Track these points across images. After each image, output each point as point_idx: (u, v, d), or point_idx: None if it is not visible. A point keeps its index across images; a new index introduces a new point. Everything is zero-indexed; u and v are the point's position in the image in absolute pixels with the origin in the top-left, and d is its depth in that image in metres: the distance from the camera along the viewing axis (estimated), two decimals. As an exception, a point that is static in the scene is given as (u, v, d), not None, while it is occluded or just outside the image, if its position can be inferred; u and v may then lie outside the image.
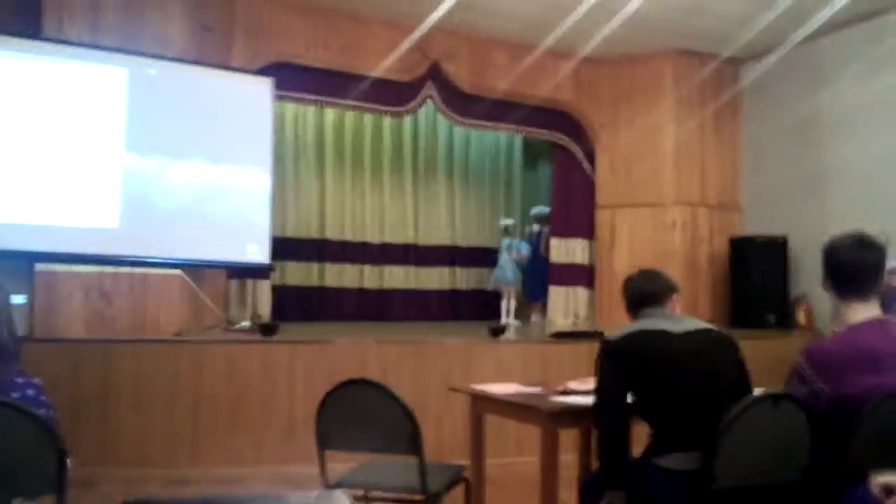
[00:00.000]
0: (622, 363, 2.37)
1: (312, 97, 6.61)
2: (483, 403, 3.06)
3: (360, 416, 2.57)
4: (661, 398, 2.33)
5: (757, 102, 7.38)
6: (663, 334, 2.38)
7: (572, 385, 3.03)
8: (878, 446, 2.07)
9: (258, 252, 5.80)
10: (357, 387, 2.61)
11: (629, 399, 2.40)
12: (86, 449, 4.31)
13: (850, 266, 2.23)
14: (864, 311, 2.21)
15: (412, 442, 2.49)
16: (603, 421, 2.38)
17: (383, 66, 6.52)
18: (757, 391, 2.33)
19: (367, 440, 2.59)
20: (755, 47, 6.93)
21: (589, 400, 2.78)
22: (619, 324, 2.58)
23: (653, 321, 2.46)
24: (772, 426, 2.11)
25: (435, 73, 6.91)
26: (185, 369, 4.48)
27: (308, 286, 7.97)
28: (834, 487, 2.08)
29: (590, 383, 3.10)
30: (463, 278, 8.93)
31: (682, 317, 2.55)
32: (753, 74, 7.32)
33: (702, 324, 2.49)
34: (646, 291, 2.58)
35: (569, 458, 3.53)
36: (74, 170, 5.07)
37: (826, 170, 6.56)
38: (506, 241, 8.26)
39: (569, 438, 3.64)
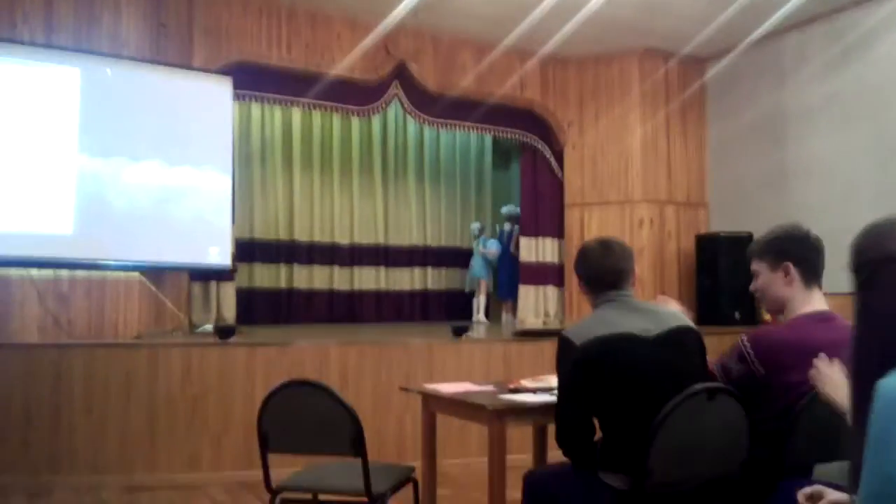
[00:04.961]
0: (590, 373, 2.13)
1: (276, 97, 6.52)
2: (434, 403, 3.03)
3: (302, 417, 2.53)
4: (622, 412, 2.15)
5: (722, 100, 7.43)
6: (635, 341, 2.15)
7: (525, 383, 3.01)
8: (815, 439, 2.07)
9: (220, 254, 5.73)
10: (300, 388, 2.57)
11: None
12: (38, 457, 4.24)
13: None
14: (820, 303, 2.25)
15: (355, 443, 2.45)
16: (570, 441, 2.20)
17: (348, 66, 6.46)
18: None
19: (310, 442, 2.55)
20: (719, 46, 6.97)
21: (537, 398, 2.76)
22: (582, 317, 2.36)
23: (621, 317, 2.21)
24: (708, 420, 2.09)
25: (401, 73, 6.86)
26: (140, 373, 4.39)
27: (277, 288, 7.88)
28: (771, 481, 2.08)
29: (544, 381, 3.08)
30: (435, 279, 8.89)
31: (649, 307, 2.32)
32: (718, 72, 7.37)
33: (671, 319, 2.28)
34: (611, 270, 2.28)
35: (526, 457, 3.51)
36: (28, 174, 4.97)
37: (789, 166, 6.62)
38: (477, 241, 8.33)
39: (525, 436, 3.63)
